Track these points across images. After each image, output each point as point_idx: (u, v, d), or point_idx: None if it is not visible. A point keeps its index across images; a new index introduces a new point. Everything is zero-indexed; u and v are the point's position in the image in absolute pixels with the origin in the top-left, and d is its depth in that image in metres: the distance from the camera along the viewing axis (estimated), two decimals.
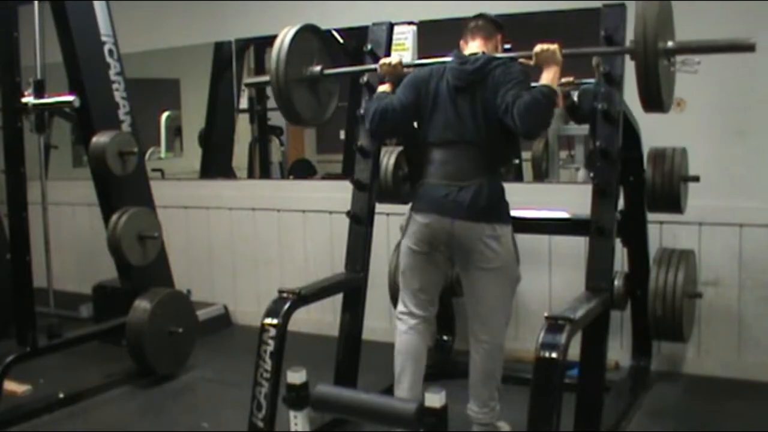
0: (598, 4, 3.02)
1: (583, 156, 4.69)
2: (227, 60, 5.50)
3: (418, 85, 2.99)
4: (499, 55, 2.94)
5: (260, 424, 2.74)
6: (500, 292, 2.96)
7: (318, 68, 3.23)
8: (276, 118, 6.25)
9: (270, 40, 5.39)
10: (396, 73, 3.12)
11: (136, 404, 3.86)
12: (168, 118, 6.29)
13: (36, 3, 4.07)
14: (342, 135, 5.47)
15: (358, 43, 4.25)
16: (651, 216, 3.68)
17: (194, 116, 5.94)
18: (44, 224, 4.10)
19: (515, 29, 4.57)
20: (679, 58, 2.81)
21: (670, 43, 2.64)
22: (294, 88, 3.14)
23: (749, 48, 2.59)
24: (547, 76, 2.74)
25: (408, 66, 3.16)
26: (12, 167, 3.80)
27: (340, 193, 3.62)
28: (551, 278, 4.19)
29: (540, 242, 4.13)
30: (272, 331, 2.78)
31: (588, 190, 2.97)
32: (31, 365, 3.84)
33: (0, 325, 4.29)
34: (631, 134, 3.35)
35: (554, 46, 2.75)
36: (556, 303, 3.83)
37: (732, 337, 3.89)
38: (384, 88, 3.11)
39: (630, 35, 2.94)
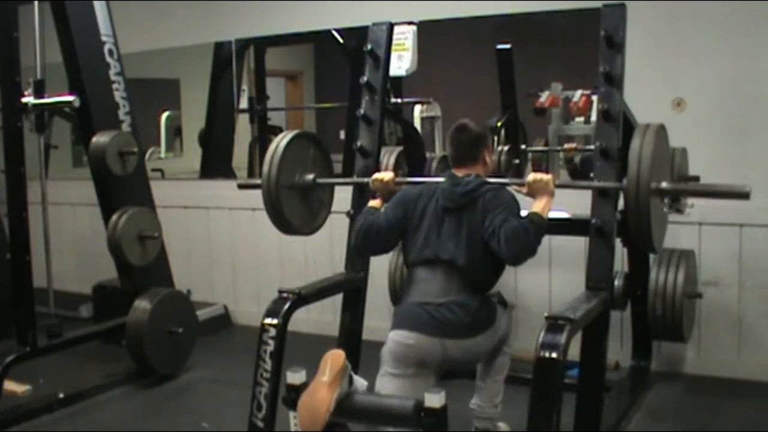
0: (598, 4, 3.02)
1: (579, 162, 4.70)
2: (227, 60, 5.50)
3: (406, 203, 2.91)
4: (491, 179, 2.87)
5: (260, 424, 2.74)
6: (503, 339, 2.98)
7: (311, 176, 3.21)
8: (276, 118, 6.26)
9: (270, 40, 5.47)
10: (388, 189, 3.07)
11: (136, 404, 3.86)
12: (168, 118, 6.28)
13: (36, 3, 4.08)
14: (342, 135, 5.46)
15: (358, 43, 4.25)
16: None
17: (194, 116, 5.93)
18: (44, 224, 4.10)
19: (515, 29, 4.60)
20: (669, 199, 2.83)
21: (663, 184, 2.66)
22: (284, 195, 3.11)
23: (743, 196, 2.58)
24: (539, 206, 2.71)
25: (400, 183, 3.10)
26: (12, 167, 3.80)
27: (339, 193, 3.61)
28: (551, 278, 4.19)
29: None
30: (272, 331, 2.78)
31: (588, 190, 2.97)
32: (31, 365, 3.84)
33: (0, 325, 4.29)
34: (631, 134, 3.35)
35: (548, 177, 2.74)
36: (556, 303, 3.83)
37: (732, 337, 3.89)
38: (374, 203, 3.05)
39: (630, 35, 2.96)
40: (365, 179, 3.21)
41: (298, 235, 3.33)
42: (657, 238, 2.74)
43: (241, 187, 3.58)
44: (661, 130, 2.72)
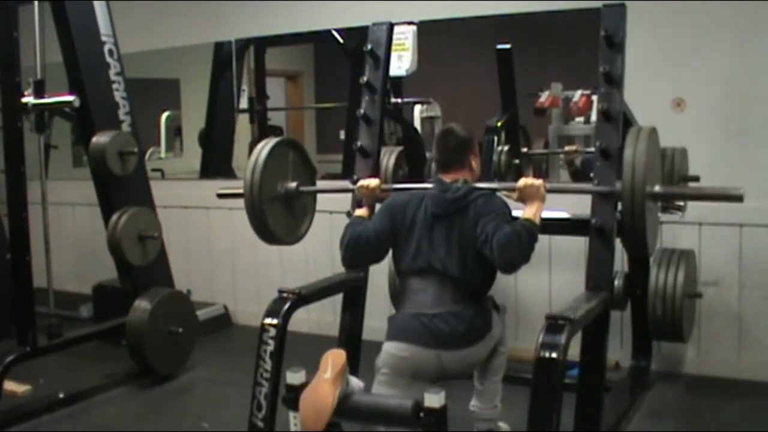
0: (598, 4, 3.02)
1: (580, 164, 4.70)
2: (227, 60, 5.50)
3: (394, 211, 2.87)
4: (481, 185, 2.84)
5: (260, 424, 2.74)
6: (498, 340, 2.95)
7: (294, 185, 3.17)
8: (276, 118, 6.26)
9: (270, 40, 5.47)
10: (374, 197, 3.04)
11: (136, 404, 3.86)
12: (168, 118, 6.28)
13: (36, 3, 4.08)
14: (342, 135, 5.46)
15: (358, 43, 4.26)
16: None
17: (194, 116, 5.94)
18: (44, 224, 4.10)
19: (515, 29, 4.60)
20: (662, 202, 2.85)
21: (657, 188, 2.69)
22: (268, 207, 3.07)
23: (737, 199, 2.60)
24: (530, 211, 2.68)
25: (386, 190, 3.07)
26: (12, 167, 3.80)
27: (340, 193, 3.61)
28: (551, 278, 4.19)
29: (540, 242, 4.08)
30: (272, 331, 2.78)
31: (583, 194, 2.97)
32: (31, 365, 3.84)
33: (0, 325, 4.29)
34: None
35: (539, 182, 2.71)
36: (556, 303, 3.82)
37: (732, 337, 3.89)
38: (360, 212, 3.01)
39: (630, 35, 2.96)
40: (350, 186, 3.19)
41: (282, 245, 3.30)
42: (651, 240, 2.75)
43: (221, 196, 3.51)
44: (653, 133, 2.72)
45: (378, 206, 3.04)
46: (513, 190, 2.76)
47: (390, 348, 2.71)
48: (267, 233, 3.14)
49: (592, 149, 3.01)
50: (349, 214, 3.34)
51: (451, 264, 2.73)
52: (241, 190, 3.10)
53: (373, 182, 3.07)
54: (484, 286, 2.85)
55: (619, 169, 2.82)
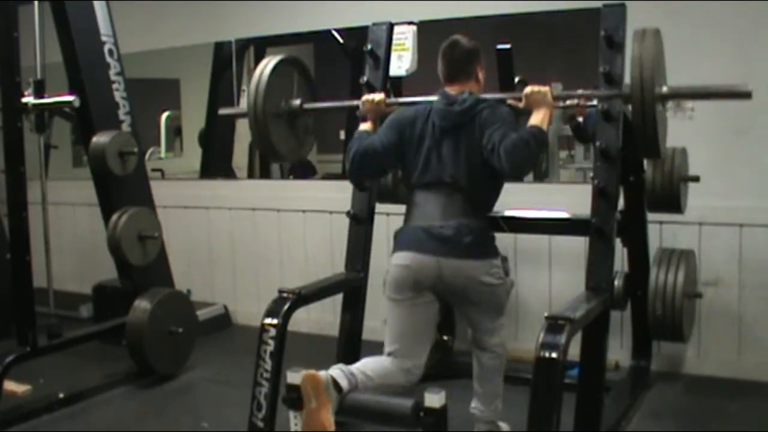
0: (598, 4, 3.02)
1: (582, 157, 4.69)
2: (227, 60, 5.50)
3: (401, 125, 2.88)
4: (487, 96, 2.85)
5: (260, 424, 2.74)
6: (498, 309, 2.91)
7: (297, 102, 3.17)
8: None
9: (270, 40, 5.47)
10: (378, 111, 3.03)
11: (136, 404, 3.86)
12: (168, 118, 6.28)
13: (36, 3, 4.08)
14: (342, 135, 5.46)
15: (358, 43, 4.25)
16: (651, 216, 3.68)
17: (194, 116, 5.93)
18: (44, 224, 4.10)
19: (515, 29, 4.60)
20: (671, 103, 2.78)
21: (665, 89, 2.64)
22: (272, 123, 3.07)
23: (745, 95, 2.56)
24: (537, 117, 2.68)
25: (391, 104, 3.06)
26: (12, 167, 3.80)
27: (340, 193, 3.61)
28: (551, 278, 4.19)
29: (540, 242, 4.13)
30: (272, 331, 2.78)
31: (588, 190, 2.98)
32: (31, 365, 3.84)
33: (0, 325, 4.29)
34: (631, 134, 3.35)
35: (545, 89, 2.71)
36: (556, 303, 3.83)
37: (732, 337, 3.89)
38: (365, 126, 3.00)
39: (630, 35, 2.96)
40: (355, 101, 3.15)
41: (285, 161, 3.29)
42: (661, 144, 2.69)
43: (224, 117, 3.49)
44: (657, 34, 2.66)
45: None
46: (519, 98, 2.77)
47: (394, 259, 2.78)
48: (271, 150, 3.14)
49: (594, 103, 2.99)
50: (349, 213, 3.34)
51: (460, 176, 2.76)
52: (244, 110, 3.09)
53: (378, 96, 3.07)
54: (490, 198, 2.88)
55: (620, 167, 2.83)
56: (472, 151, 2.74)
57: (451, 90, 2.85)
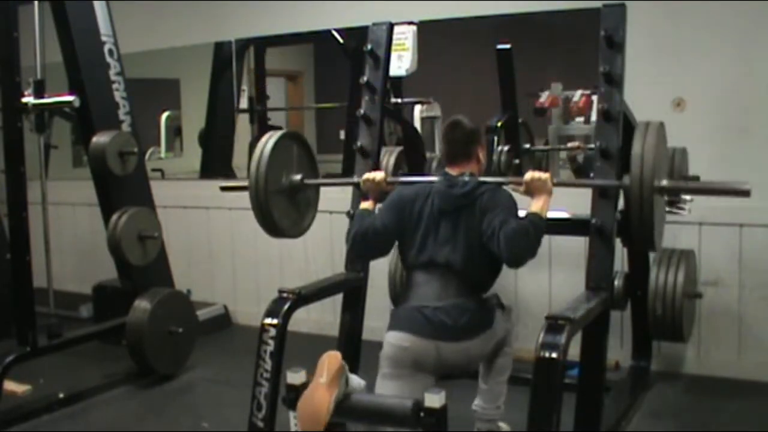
0: (598, 4, 3.02)
1: (582, 161, 4.69)
2: (227, 60, 5.50)
3: (402, 206, 2.87)
4: (488, 179, 2.85)
5: (260, 424, 2.73)
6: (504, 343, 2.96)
7: (298, 177, 3.17)
8: (276, 118, 6.26)
9: (270, 40, 5.47)
10: (379, 190, 3.03)
11: (136, 404, 3.86)
12: (168, 118, 6.29)
13: (36, 3, 4.07)
14: (342, 135, 5.46)
15: (358, 43, 4.25)
16: None
17: (194, 116, 5.94)
18: (44, 224, 4.10)
19: (515, 29, 4.60)
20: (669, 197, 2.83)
21: (664, 182, 2.66)
22: (273, 199, 3.07)
23: (744, 193, 2.58)
24: (537, 205, 2.68)
25: (392, 183, 3.06)
26: (12, 167, 3.80)
27: (340, 193, 3.61)
28: (551, 278, 4.19)
29: None
30: (272, 331, 2.78)
31: (588, 190, 2.97)
32: (31, 365, 3.84)
33: (0, 325, 4.29)
34: (631, 134, 3.35)
35: (546, 175, 2.70)
36: (556, 303, 3.82)
37: (732, 337, 3.89)
38: (366, 205, 3.00)
39: (630, 35, 2.96)
40: (355, 179, 3.18)
41: (286, 237, 3.30)
42: (658, 236, 2.74)
43: (224, 189, 3.51)
44: (661, 128, 2.72)
45: (380, 205, 3.04)
46: (520, 183, 2.76)
47: (390, 338, 2.72)
48: (272, 226, 3.14)
49: (592, 146, 3.00)
50: (349, 214, 3.34)
51: (455, 258, 2.74)
52: (245, 183, 3.10)
53: (379, 175, 3.06)
54: (488, 280, 2.86)
55: (619, 168, 2.84)
56: (470, 233, 2.74)
57: (453, 171, 2.86)
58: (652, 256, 3.61)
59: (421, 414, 2.27)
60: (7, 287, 3.88)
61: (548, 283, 4.20)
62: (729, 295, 3.87)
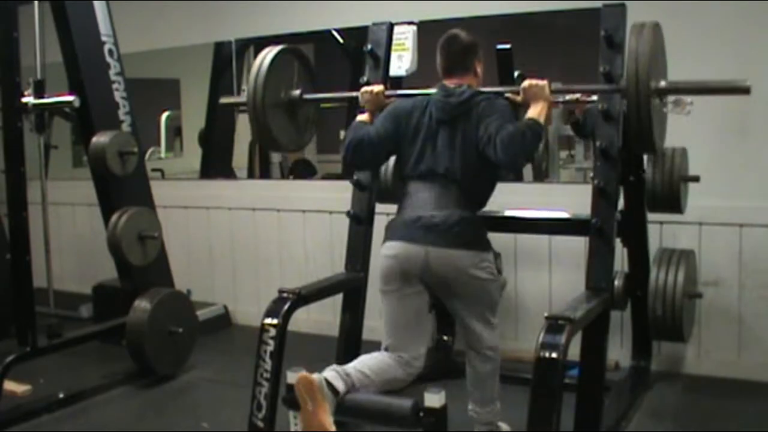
0: (598, 4, 3.02)
1: (582, 157, 4.69)
2: (227, 60, 5.49)
3: (398, 116, 2.89)
4: (485, 89, 2.85)
5: (260, 424, 2.74)
6: (489, 306, 2.88)
7: (297, 92, 3.16)
8: None
9: (270, 40, 5.46)
10: (377, 102, 3.04)
11: (136, 404, 3.86)
12: (168, 118, 6.28)
13: (36, 3, 4.07)
14: (342, 135, 5.46)
15: (358, 43, 4.25)
16: (651, 216, 3.67)
17: (194, 116, 5.93)
18: (44, 224, 4.10)
19: (515, 29, 4.60)
20: (670, 98, 2.76)
21: (662, 83, 2.63)
22: (271, 113, 3.06)
23: (744, 90, 2.55)
24: (534, 111, 2.68)
25: (390, 96, 3.07)
26: (12, 167, 3.80)
27: (340, 193, 3.61)
28: (551, 278, 4.19)
29: (540, 242, 4.13)
30: (272, 331, 2.78)
31: (588, 190, 2.98)
32: (31, 365, 3.84)
33: (0, 325, 4.29)
34: (631, 134, 3.35)
35: (543, 82, 2.70)
36: (556, 303, 3.83)
37: (732, 337, 3.89)
38: (362, 117, 3.01)
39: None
40: (354, 93, 3.15)
41: (285, 152, 3.29)
42: (657, 139, 2.68)
43: (224, 105, 3.48)
44: (657, 28, 2.65)
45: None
46: (517, 92, 2.76)
47: (382, 250, 2.78)
48: (270, 140, 3.13)
49: (594, 98, 2.98)
50: (348, 213, 3.34)
51: (454, 168, 2.76)
52: (244, 99, 3.09)
53: (377, 88, 3.07)
54: (485, 191, 2.87)
55: (620, 169, 2.84)
56: (468, 143, 2.75)
57: (450, 83, 2.86)
58: (652, 256, 3.61)
59: (421, 414, 2.27)
60: (7, 287, 3.88)
61: (548, 283, 4.20)
62: (729, 295, 3.87)
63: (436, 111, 2.82)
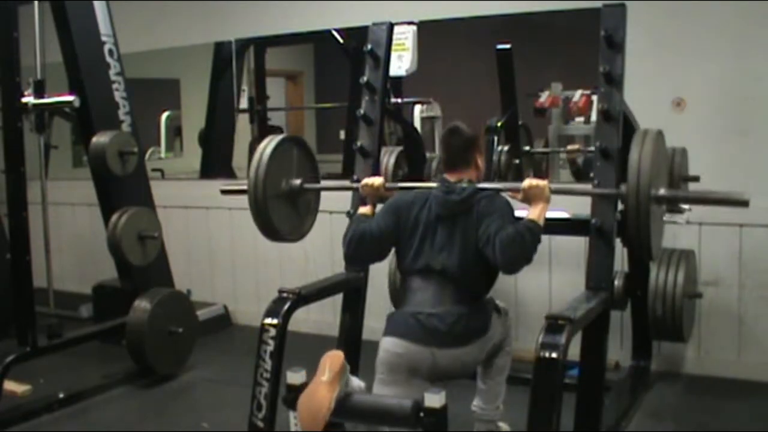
0: (598, 4, 3.02)
1: (582, 163, 4.70)
2: (227, 60, 5.50)
3: (399, 209, 2.87)
4: (486, 185, 2.85)
5: (260, 424, 2.73)
6: (501, 347, 2.96)
7: (298, 182, 3.16)
8: (276, 118, 6.26)
9: (270, 40, 5.47)
10: (377, 195, 3.03)
11: (136, 404, 3.86)
12: (168, 118, 6.29)
13: (36, 3, 4.07)
14: (342, 135, 5.46)
15: (358, 43, 4.25)
16: None
17: (194, 116, 5.94)
18: (44, 224, 4.10)
19: (515, 29, 4.60)
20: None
21: (662, 191, 2.65)
22: (272, 203, 3.06)
23: (742, 203, 2.56)
24: (534, 212, 2.67)
25: (390, 189, 3.06)
26: (12, 167, 3.80)
27: (339, 193, 3.61)
28: (551, 278, 4.19)
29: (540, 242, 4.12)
30: (272, 331, 2.78)
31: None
32: (31, 365, 3.84)
33: (0, 325, 4.29)
34: (631, 134, 3.35)
35: (543, 183, 2.70)
36: (556, 303, 3.83)
37: (732, 337, 3.89)
38: (364, 210, 3.00)
39: (630, 35, 2.96)
40: (354, 184, 3.18)
41: (285, 242, 3.29)
42: (655, 245, 2.73)
43: (225, 192, 3.50)
44: (659, 136, 2.70)
45: (380, 206, 3.04)
46: (517, 190, 2.75)
47: (385, 344, 2.72)
48: (271, 230, 3.13)
49: (592, 149, 3.00)
50: (349, 214, 3.34)
51: (452, 265, 2.73)
52: (245, 187, 3.09)
53: (377, 180, 3.05)
54: (484, 287, 2.85)
55: (620, 170, 2.83)
56: (467, 239, 2.73)
57: (451, 177, 2.85)
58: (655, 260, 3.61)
59: (421, 414, 2.27)
60: (7, 287, 3.88)
61: (548, 283, 4.20)
62: (729, 295, 3.87)
63: (436, 206, 2.80)
